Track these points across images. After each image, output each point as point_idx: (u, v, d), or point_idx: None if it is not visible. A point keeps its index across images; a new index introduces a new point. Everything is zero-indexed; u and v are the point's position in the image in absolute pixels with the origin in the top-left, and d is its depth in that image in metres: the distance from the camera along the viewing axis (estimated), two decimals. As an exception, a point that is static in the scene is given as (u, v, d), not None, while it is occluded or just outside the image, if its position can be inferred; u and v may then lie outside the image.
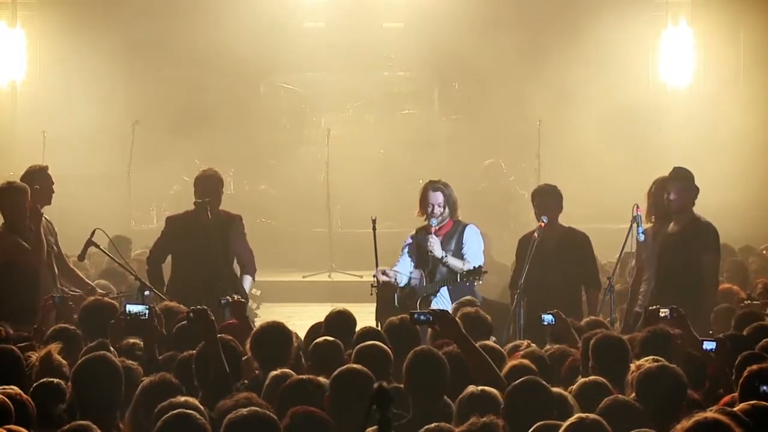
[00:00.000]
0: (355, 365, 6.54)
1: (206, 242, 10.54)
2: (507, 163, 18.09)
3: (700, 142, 17.17)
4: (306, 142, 19.46)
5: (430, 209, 10.66)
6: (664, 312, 8.24)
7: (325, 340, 7.62)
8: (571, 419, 5.51)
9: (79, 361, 6.53)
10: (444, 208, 10.67)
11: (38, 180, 10.38)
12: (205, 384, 6.95)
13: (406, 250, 10.87)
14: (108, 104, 17.97)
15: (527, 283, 10.13)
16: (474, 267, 10.35)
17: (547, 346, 8.16)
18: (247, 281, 10.85)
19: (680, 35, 19.19)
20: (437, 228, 10.66)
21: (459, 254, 10.60)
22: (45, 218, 10.46)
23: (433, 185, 10.77)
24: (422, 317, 7.30)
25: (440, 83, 20.01)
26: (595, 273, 10.63)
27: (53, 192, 10.59)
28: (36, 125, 17.77)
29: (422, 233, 10.80)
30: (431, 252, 10.60)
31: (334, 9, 19.65)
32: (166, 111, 17.95)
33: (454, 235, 10.69)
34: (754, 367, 6.43)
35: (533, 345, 8.08)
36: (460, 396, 6.20)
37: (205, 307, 7.41)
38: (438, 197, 10.68)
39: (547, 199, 10.61)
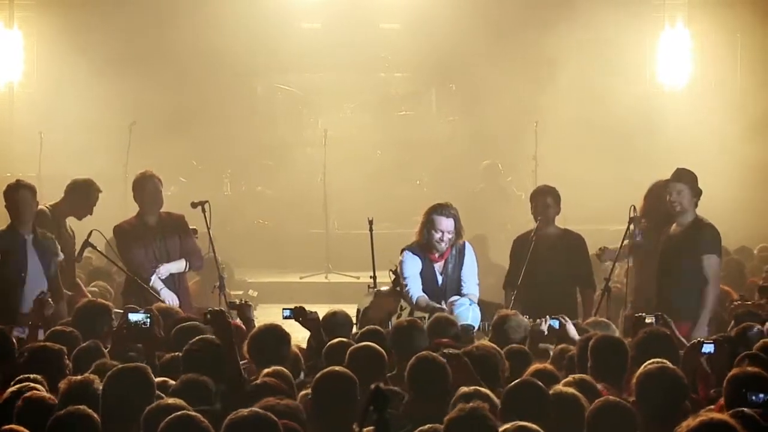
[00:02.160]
0: (336, 368, 6.51)
1: (165, 246, 10.63)
2: (504, 164, 18.07)
3: (697, 143, 17.15)
4: (303, 143, 19.41)
5: (439, 235, 9.85)
6: (650, 319, 8.27)
7: (340, 341, 7.66)
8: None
9: (114, 370, 6.33)
10: (453, 236, 9.90)
11: (86, 193, 10.47)
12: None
13: (416, 270, 9.92)
14: (105, 105, 17.91)
15: (523, 284, 10.13)
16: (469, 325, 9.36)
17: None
18: (186, 265, 10.77)
19: (677, 37, 19.19)
20: (438, 256, 9.94)
21: (458, 272, 10.00)
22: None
23: (444, 211, 9.89)
24: None
25: (437, 84, 19.95)
26: (590, 274, 10.62)
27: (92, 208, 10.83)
28: (33, 126, 17.74)
29: (424, 255, 9.98)
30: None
31: (330, 10, 19.62)
32: (163, 112, 17.90)
33: (454, 254, 10.05)
34: (735, 370, 6.40)
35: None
36: (454, 397, 6.20)
37: (223, 309, 7.44)
38: (450, 224, 9.86)
39: (546, 200, 10.61)
